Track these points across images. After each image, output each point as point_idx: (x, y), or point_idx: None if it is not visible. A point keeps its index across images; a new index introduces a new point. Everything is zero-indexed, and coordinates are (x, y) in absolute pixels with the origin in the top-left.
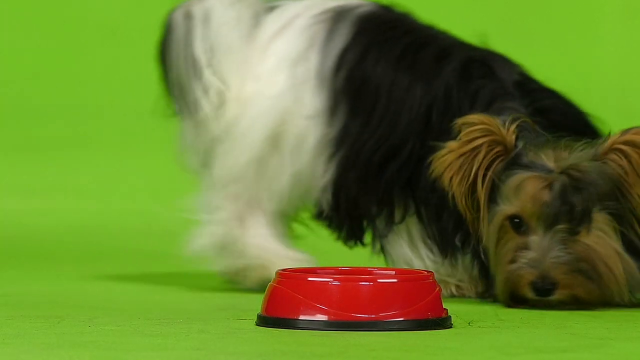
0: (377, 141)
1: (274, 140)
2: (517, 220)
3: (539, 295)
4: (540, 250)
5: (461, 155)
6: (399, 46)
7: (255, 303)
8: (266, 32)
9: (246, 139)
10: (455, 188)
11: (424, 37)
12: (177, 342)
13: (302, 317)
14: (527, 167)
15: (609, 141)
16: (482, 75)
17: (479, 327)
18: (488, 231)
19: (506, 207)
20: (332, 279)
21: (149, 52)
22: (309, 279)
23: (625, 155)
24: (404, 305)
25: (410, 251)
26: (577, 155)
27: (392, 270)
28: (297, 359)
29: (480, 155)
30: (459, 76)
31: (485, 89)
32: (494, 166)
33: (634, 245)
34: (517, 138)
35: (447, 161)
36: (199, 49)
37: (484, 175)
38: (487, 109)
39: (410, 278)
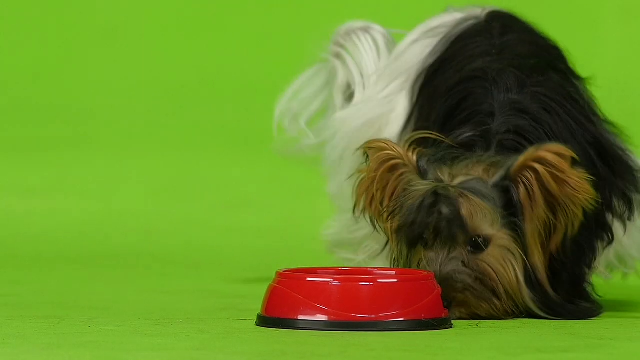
0: None
1: None
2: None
3: None
4: (435, 267)
5: (369, 179)
6: (453, 68)
7: (255, 303)
8: (402, 45)
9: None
10: (369, 210)
11: (475, 56)
12: (177, 342)
13: (301, 317)
14: (425, 183)
15: (522, 158)
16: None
17: (479, 327)
18: (398, 247)
19: None
20: (332, 279)
21: (149, 52)
22: (309, 279)
23: (535, 173)
24: (404, 305)
25: None
26: (482, 172)
27: (392, 270)
28: (297, 359)
29: (383, 180)
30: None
31: (469, 109)
32: (400, 186)
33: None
34: (419, 157)
35: (361, 186)
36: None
37: (390, 196)
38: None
39: (410, 278)
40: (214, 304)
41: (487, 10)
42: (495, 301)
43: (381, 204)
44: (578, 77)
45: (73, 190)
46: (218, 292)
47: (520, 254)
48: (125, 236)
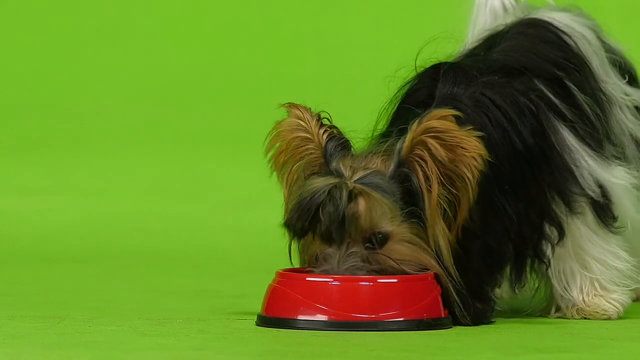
0: None
1: None
2: None
3: None
4: (333, 263)
5: (280, 146)
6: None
7: (255, 303)
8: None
9: None
10: (277, 172)
11: (465, 56)
12: (177, 342)
13: (301, 317)
14: (326, 174)
15: (409, 137)
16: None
17: (479, 327)
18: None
19: None
20: (332, 279)
21: (149, 52)
22: (309, 279)
23: (425, 147)
24: (404, 305)
25: None
26: (380, 164)
27: None
28: (297, 359)
29: (290, 148)
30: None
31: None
32: (303, 162)
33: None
34: (329, 138)
35: (274, 137)
36: None
37: (291, 169)
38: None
39: (410, 278)
40: (214, 304)
41: (529, 16)
42: None
43: (287, 170)
44: (587, 90)
45: (72, 190)
46: (218, 292)
47: (423, 245)
48: (125, 236)
